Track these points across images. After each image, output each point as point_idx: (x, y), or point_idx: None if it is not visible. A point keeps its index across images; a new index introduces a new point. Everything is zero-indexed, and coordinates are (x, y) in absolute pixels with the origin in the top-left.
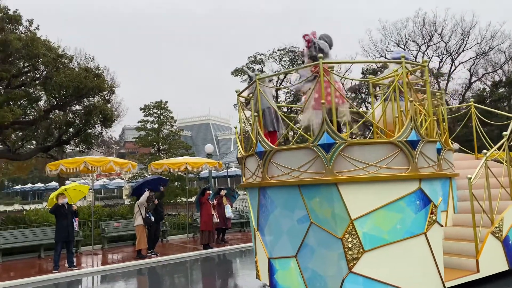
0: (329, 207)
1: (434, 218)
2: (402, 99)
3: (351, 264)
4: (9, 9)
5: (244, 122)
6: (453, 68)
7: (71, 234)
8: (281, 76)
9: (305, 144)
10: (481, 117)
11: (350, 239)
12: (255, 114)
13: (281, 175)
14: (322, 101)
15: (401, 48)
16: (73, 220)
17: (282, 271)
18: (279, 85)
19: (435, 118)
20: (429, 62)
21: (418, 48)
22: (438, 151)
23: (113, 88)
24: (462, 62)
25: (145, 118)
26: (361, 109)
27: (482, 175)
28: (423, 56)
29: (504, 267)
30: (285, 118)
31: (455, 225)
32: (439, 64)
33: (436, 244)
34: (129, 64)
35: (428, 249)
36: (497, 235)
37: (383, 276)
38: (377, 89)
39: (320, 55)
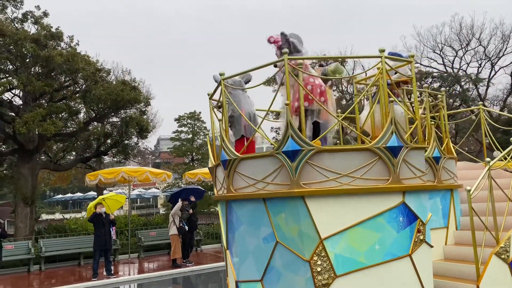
0: (295, 224)
1: (421, 237)
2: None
3: None
4: (51, 27)
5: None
6: (493, 73)
7: (108, 243)
8: None
9: (269, 152)
10: (491, 122)
11: (319, 262)
12: (219, 119)
13: (246, 187)
14: (287, 102)
15: (437, 54)
16: (111, 229)
17: None
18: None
19: (432, 122)
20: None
21: (455, 54)
22: (437, 159)
23: (149, 100)
24: (503, 67)
25: (179, 129)
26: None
27: (486, 186)
28: (460, 62)
29: None
30: (251, 124)
31: (458, 244)
32: (478, 70)
33: (424, 268)
34: (164, 76)
35: (414, 274)
36: (503, 256)
37: None
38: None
39: (285, 50)
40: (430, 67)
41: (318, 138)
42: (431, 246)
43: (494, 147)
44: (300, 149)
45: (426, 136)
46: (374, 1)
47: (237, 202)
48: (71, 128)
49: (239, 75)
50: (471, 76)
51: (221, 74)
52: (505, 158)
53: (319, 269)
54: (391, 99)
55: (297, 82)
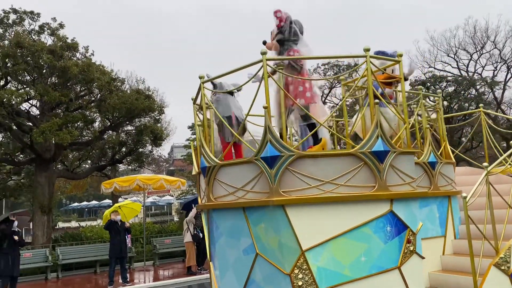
0: (275, 235)
1: (411, 248)
2: (382, 105)
3: None
4: (67, 38)
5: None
6: (509, 76)
7: (124, 251)
8: None
9: (248, 158)
10: (492, 124)
11: (300, 276)
12: (199, 123)
13: (225, 195)
14: (264, 105)
15: (451, 57)
16: (126, 237)
17: None
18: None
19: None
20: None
21: (470, 57)
22: (432, 164)
23: (163, 108)
24: None
25: (193, 136)
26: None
27: (484, 193)
28: (475, 65)
29: None
30: (230, 129)
31: (456, 254)
32: (494, 73)
33: (414, 281)
34: (177, 84)
35: None
36: (502, 267)
37: None
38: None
39: (264, 50)
40: (444, 71)
41: (303, 140)
42: (423, 258)
43: (496, 151)
44: (279, 155)
45: (424, 140)
46: (384, 5)
47: (217, 211)
48: (87, 137)
49: (219, 77)
50: (487, 79)
51: (200, 77)
52: (507, 162)
53: (300, 283)
54: (376, 101)
55: (276, 83)
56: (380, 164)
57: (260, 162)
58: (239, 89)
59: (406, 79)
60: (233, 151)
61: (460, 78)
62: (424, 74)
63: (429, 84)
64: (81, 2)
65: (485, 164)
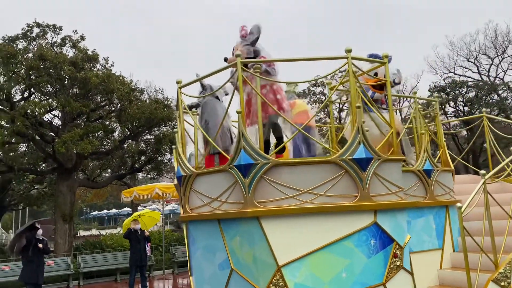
0: (250, 249)
1: (398, 263)
2: (371, 110)
3: None
4: (88, 50)
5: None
6: None
7: (143, 259)
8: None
9: (223, 166)
10: (495, 130)
11: None
12: (176, 130)
13: (201, 206)
14: (238, 110)
15: (472, 62)
16: (146, 245)
17: None
18: None
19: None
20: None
21: (491, 62)
22: (428, 172)
23: None
24: None
25: None
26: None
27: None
28: (496, 70)
29: None
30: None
31: (454, 268)
32: None
33: None
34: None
35: None
36: (502, 283)
37: None
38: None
39: (238, 52)
40: (465, 76)
41: (279, 148)
42: (411, 274)
43: (499, 158)
44: (253, 163)
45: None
46: (402, 10)
47: (193, 223)
48: (107, 147)
49: (194, 82)
50: (509, 84)
51: (177, 82)
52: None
53: None
54: (358, 104)
55: (252, 88)
56: (362, 172)
57: (234, 171)
58: (226, 93)
59: (397, 84)
60: (218, 160)
61: (481, 83)
62: (444, 79)
63: (449, 90)
64: (103, 15)
65: (482, 171)
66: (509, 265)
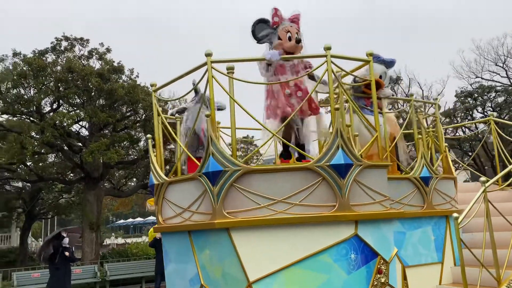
0: (219, 264)
1: (382, 280)
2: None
3: None
4: (113, 61)
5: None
6: None
7: None
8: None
9: (193, 174)
10: (503, 134)
11: None
12: (149, 136)
13: (173, 217)
14: (207, 113)
15: (500, 66)
16: None
17: None
18: None
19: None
20: None
21: None
22: (426, 180)
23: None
24: None
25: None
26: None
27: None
28: None
29: None
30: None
31: (456, 284)
32: None
33: None
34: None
35: None
36: None
37: None
38: None
39: (208, 51)
40: (493, 80)
41: (251, 154)
42: None
43: (507, 163)
44: (222, 170)
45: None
46: (427, 15)
47: (166, 235)
48: (132, 156)
49: (166, 85)
50: None
51: (151, 85)
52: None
53: None
54: (337, 106)
55: (226, 89)
56: (341, 179)
57: (203, 179)
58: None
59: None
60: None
61: (510, 87)
62: (471, 84)
63: (476, 95)
64: (129, 28)
65: (483, 178)
66: None
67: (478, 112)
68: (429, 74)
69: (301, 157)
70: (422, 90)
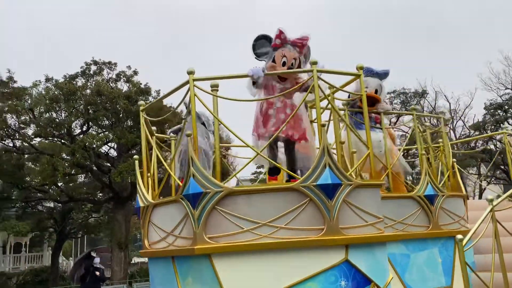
0: None
1: None
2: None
3: None
4: (140, 83)
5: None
6: None
7: None
8: None
9: (174, 197)
10: None
11: None
12: (136, 157)
13: (158, 241)
14: (188, 132)
15: None
16: None
17: None
18: None
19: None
20: None
21: None
22: (431, 198)
23: (228, 145)
24: None
25: (258, 170)
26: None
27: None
28: None
29: None
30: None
31: None
32: None
33: None
34: (241, 121)
35: None
36: None
37: None
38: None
39: (190, 69)
40: None
41: (235, 174)
42: None
43: None
44: (203, 192)
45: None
46: (451, 26)
47: (151, 260)
48: (159, 175)
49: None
50: None
51: (140, 105)
52: None
53: None
54: (323, 123)
55: (211, 110)
56: (329, 200)
57: (184, 201)
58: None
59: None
60: None
61: None
62: (500, 96)
63: (506, 107)
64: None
65: (490, 197)
66: None
67: (509, 124)
68: (456, 87)
69: (291, 178)
70: (450, 103)
